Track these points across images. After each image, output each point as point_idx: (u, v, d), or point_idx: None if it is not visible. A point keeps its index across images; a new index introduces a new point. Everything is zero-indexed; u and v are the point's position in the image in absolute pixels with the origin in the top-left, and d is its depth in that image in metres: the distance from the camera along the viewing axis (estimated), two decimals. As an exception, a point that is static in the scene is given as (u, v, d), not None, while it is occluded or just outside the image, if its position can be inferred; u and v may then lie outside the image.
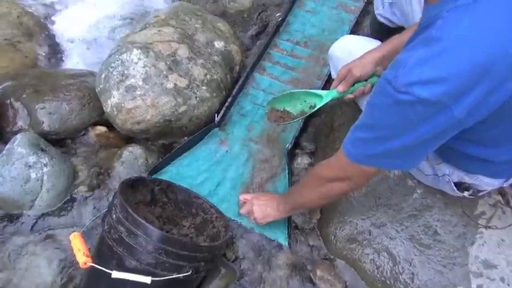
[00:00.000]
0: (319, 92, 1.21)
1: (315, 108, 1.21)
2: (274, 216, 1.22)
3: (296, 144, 1.51)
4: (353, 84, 1.14)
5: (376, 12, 1.44)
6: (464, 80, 0.64)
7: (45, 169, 1.32)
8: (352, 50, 1.18)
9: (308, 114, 1.24)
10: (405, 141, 0.75)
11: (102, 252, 1.05)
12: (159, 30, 1.52)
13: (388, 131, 0.76)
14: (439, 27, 0.66)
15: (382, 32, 1.44)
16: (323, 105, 1.20)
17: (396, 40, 1.10)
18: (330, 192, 1.01)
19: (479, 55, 0.63)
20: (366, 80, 1.13)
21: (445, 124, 0.70)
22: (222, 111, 1.51)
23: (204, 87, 1.47)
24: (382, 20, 1.44)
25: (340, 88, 1.15)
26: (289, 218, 1.32)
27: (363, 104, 1.25)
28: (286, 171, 1.43)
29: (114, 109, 1.39)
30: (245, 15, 1.92)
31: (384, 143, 0.78)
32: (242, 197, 1.31)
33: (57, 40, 1.94)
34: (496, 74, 0.64)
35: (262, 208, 1.23)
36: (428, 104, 0.66)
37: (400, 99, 0.68)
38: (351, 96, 1.16)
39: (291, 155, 1.49)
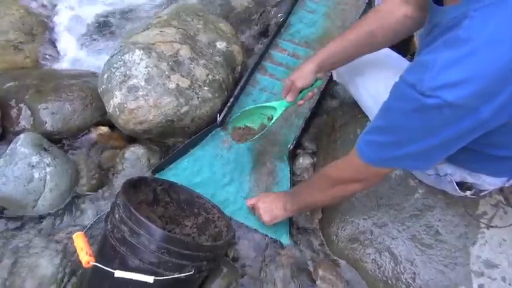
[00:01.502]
0: (272, 104, 1.28)
1: (274, 119, 1.27)
2: (282, 216, 1.23)
3: (298, 144, 1.52)
4: (300, 92, 1.20)
5: None
6: (495, 80, 0.63)
7: (48, 169, 1.32)
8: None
9: (269, 126, 1.29)
10: (427, 144, 0.74)
11: (105, 252, 1.06)
12: (161, 31, 1.53)
13: (410, 135, 0.75)
14: (467, 28, 0.64)
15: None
16: (280, 115, 1.26)
17: (332, 46, 1.12)
18: (343, 193, 1.02)
19: (509, 55, 0.62)
20: (312, 86, 1.20)
21: (471, 126, 0.69)
22: (224, 111, 1.52)
23: (206, 88, 1.47)
24: None
25: (289, 98, 1.21)
26: (290, 218, 1.32)
27: (364, 101, 1.25)
28: (288, 171, 1.43)
29: (117, 109, 1.40)
30: (247, 16, 1.92)
31: (404, 147, 0.77)
32: (248, 203, 1.31)
33: (59, 41, 1.95)
34: None
35: (268, 210, 1.23)
36: (456, 107, 0.65)
37: (426, 104, 0.66)
38: (301, 102, 1.25)
39: (293, 155, 1.50)
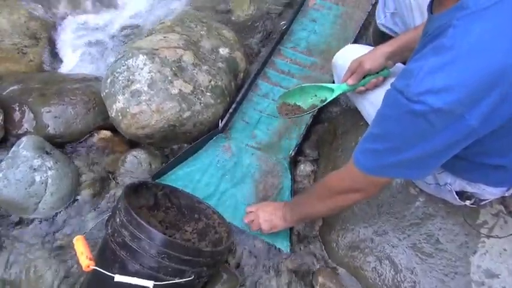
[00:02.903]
0: (330, 85, 1.21)
1: (326, 102, 1.21)
2: (282, 227, 1.23)
3: (299, 152, 1.52)
4: (364, 77, 1.14)
5: (377, 21, 1.46)
6: (478, 88, 0.64)
7: (49, 172, 1.32)
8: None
9: (319, 107, 1.24)
10: (418, 151, 0.74)
11: (105, 256, 1.06)
12: (164, 37, 1.54)
13: (401, 141, 0.75)
14: (451, 36, 0.66)
15: (385, 41, 1.46)
16: (334, 99, 1.20)
17: (407, 36, 1.10)
18: (343, 203, 1.01)
19: (492, 63, 0.63)
20: (377, 73, 1.14)
21: (460, 133, 0.69)
22: (225, 118, 1.52)
23: (208, 94, 1.48)
24: (384, 29, 1.45)
25: (350, 81, 1.14)
26: (291, 225, 1.33)
27: (363, 107, 1.25)
28: (289, 178, 1.43)
29: (119, 114, 1.41)
30: (250, 23, 1.94)
31: (397, 154, 0.77)
32: (248, 210, 1.31)
33: (63, 45, 1.96)
34: (508, 81, 0.64)
35: (268, 219, 1.23)
36: (441, 113, 0.66)
37: (413, 110, 0.68)
38: (362, 88, 1.17)
39: (294, 162, 1.50)
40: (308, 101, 1.25)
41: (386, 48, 1.11)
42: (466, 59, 0.64)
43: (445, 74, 0.65)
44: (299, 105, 1.27)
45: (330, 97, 1.20)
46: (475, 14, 0.65)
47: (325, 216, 1.34)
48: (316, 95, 1.25)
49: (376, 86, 1.16)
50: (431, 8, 0.80)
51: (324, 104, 1.22)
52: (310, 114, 1.52)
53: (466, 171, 0.99)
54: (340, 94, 1.20)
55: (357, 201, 1.00)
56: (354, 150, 0.88)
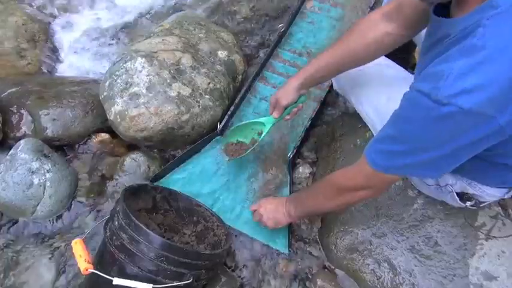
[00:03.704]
0: (261, 119, 1.33)
1: (263, 134, 1.32)
2: (286, 222, 1.23)
3: (298, 154, 1.52)
4: (286, 108, 1.25)
5: None
6: (510, 87, 0.63)
7: (47, 175, 1.32)
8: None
9: (259, 140, 1.34)
10: (440, 153, 0.74)
11: (104, 259, 1.05)
12: (163, 39, 1.54)
13: (422, 143, 0.75)
14: (481, 36, 0.65)
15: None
16: (269, 130, 1.31)
17: (314, 65, 1.16)
18: (351, 200, 1.02)
19: None
20: (296, 102, 1.25)
21: (486, 134, 0.69)
22: (224, 120, 1.52)
23: (207, 96, 1.48)
24: None
25: (275, 115, 1.26)
26: (290, 227, 1.32)
27: (363, 110, 1.25)
28: (288, 181, 1.43)
29: (118, 116, 1.41)
30: (248, 26, 1.94)
31: (417, 155, 0.77)
32: (252, 208, 1.31)
33: (61, 47, 1.96)
34: None
35: (271, 217, 1.23)
36: (471, 114, 0.65)
37: (442, 112, 0.67)
38: (287, 117, 1.30)
39: (292, 164, 1.50)
40: (248, 136, 1.38)
41: (296, 81, 1.19)
42: (499, 57, 0.63)
43: (477, 74, 0.64)
44: (241, 141, 1.38)
45: (265, 129, 1.32)
46: (506, 13, 0.64)
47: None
48: (252, 129, 1.36)
49: (298, 112, 1.30)
50: (436, 11, 0.79)
51: (262, 136, 1.33)
52: (308, 116, 1.53)
53: (474, 170, 0.97)
54: (272, 125, 1.31)
55: (366, 198, 1.00)
56: (366, 150, 0.87)
